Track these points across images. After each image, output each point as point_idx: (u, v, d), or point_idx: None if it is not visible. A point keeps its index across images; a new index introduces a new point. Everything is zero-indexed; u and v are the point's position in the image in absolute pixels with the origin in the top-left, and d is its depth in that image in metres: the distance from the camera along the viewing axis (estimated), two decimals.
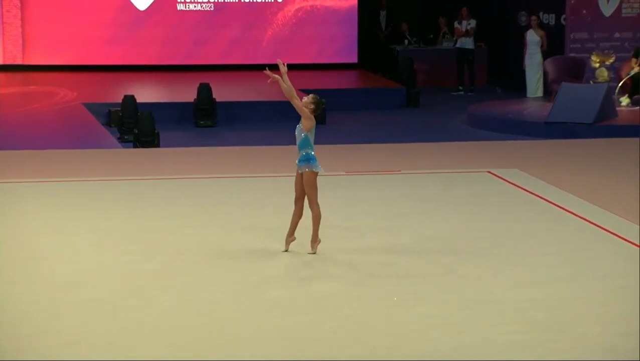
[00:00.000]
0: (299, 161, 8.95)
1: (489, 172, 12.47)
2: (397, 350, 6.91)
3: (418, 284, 8.24)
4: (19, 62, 19.46)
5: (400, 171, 12.61)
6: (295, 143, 9.02)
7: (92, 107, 17.03)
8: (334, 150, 14.31)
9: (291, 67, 22.71)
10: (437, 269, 8.65)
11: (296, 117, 9.13)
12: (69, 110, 17.07)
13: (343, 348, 6.95)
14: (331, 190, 11.61)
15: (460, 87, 21.71)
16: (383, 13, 22.88)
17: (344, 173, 12.55)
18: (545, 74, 19.57)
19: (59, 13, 19.84)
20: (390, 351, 6.88)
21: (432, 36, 23.05)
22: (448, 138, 16.06)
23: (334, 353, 6.88)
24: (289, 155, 14.17)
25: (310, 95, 9.01)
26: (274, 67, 9.18)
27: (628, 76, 18.32)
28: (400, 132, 17.21)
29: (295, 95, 8.85)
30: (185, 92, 17.89)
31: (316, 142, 8.44)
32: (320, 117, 17.73)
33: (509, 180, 12.01)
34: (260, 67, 20.68)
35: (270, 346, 6.99)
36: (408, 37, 22.85)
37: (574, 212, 10.46)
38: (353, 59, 22.11)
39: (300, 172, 8.97)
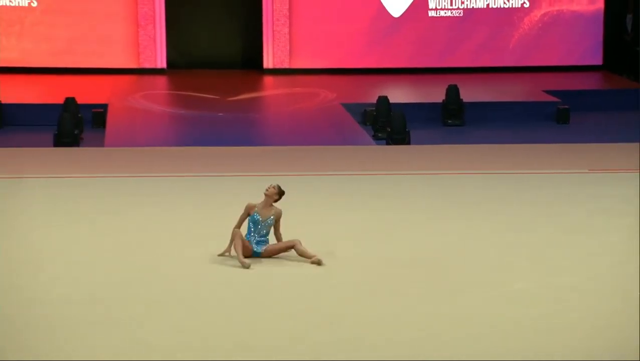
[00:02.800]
0: (260, 244, 8.95)
1: None
2: None
3: None
4: (286, 65, 20.42)
5: None
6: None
7: (350, 107, 17.54)
8: (577, 148, 14.19)
9: (536, 69, 22.25)
10: None
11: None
12: (329, 109, 17.70)
13: (586, 340, 6.91)
14: (573, 186, 11.56)
15: None
16: (629, 16, 22.30)
17: (587, 170, 12.43)
18: None
19: (321, 22, 20.64)
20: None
21: None
22: None
23: (577, 343, 6.85)
24: (531, 152, 14.13)
25: (276, 186, 9.09)
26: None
27: None
28: None
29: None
30: (434, 93, 18.16)
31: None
32: (563, 117, 17.68)
33: None
34: (507, 70, 20.85)
35: (512, 337, 7.05)
36: None
37: None
38: (598, 60, 21.71)
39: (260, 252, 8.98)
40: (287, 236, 9.02)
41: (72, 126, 15.12)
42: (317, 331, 7.27)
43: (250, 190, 11.51)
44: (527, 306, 7.61)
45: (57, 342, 7.13)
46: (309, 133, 15.97)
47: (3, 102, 16.52)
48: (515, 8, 21.07)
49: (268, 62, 20.20)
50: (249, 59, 20.60)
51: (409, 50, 20.81)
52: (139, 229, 9.89)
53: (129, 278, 8.43)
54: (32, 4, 19.37)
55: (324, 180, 12.23)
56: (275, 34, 20.25)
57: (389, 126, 15.85)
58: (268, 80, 20.03)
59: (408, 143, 15.56)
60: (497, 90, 19.10)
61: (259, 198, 11.34)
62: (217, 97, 18.18)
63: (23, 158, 13.53)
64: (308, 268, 8.66)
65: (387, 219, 10.29)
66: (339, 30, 20.59)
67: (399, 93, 19.04)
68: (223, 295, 8.05)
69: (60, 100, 16.33)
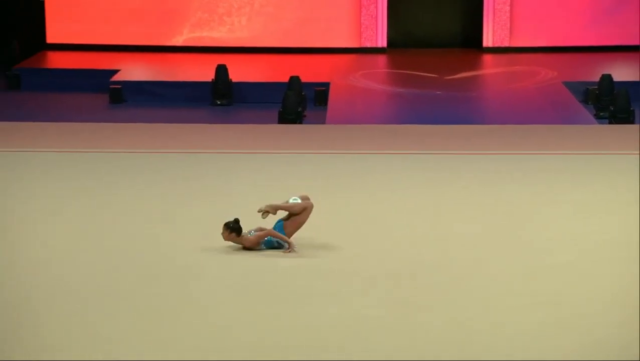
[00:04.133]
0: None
1: None
2: None
3: None
4: (506, 44, 19.96)
5: None
6: None
7: (571, 85, 17.04)
8: None
9: None
10: None
11: None
12: (549, 88, 17.25)
13: None
14: None
15: None
16: None
17: None
18: None
19: (543, 0, 20.03)
20: None
21: None
22: None
23: None
24: None
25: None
26: None
27: None
28: None
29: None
30: None
31: None
32: None
33: None
34: None
35: None
36: None
37: None
38: None
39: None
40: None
41: (296, 104, 15.35)
42: (518, 312, 7.08)
43: (468, 169, 11.35)
44: None
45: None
46: (529, 112, 15.64)
47: (234, 80, 16.98)
48: None
49: (488, 41, 19.83)
50: (469, 38, 20.29)
51: (635, 27, 19.83)
52: (357, 207, 9.90)
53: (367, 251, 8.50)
54: None
55: (544, 159, 11.95)
56: (496, 12, 19.79)
57: (612, 105, 15.32)
58: (487, 58, 19.74)
59: (632, 122, 14.96)
60: None
61: (475, 177, 11.11)
62: (435, 75, 18.10)
63: (250, 134, 13.86)
64: (523, 252, 8.42)
65: (611, 198, 9.92)
66: (561, 7, 19.91)
67: (624, 71, 18.24)
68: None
69: (285, 78, 16.63)
